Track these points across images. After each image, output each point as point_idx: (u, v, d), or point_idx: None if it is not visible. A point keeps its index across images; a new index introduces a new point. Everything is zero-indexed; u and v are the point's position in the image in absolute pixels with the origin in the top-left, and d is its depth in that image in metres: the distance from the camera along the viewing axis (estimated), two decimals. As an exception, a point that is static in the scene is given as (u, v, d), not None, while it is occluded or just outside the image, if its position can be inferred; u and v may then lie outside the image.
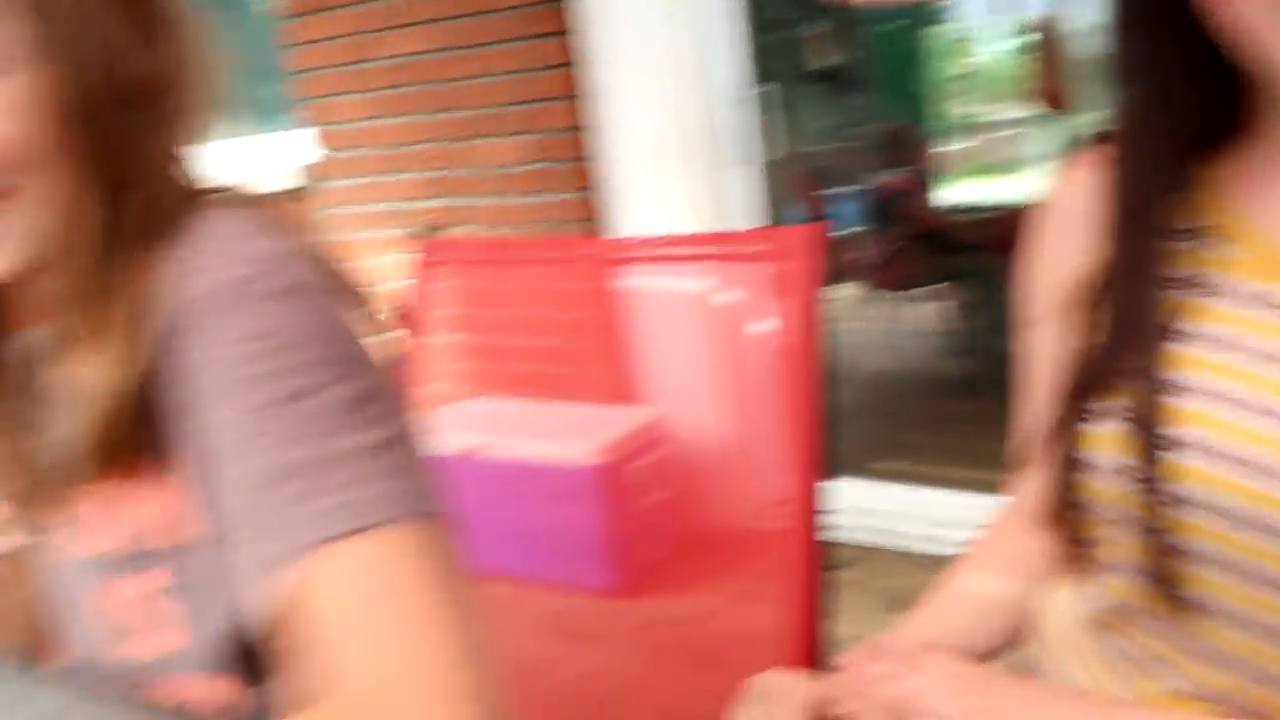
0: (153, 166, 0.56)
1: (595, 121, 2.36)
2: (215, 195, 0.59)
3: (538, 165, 2.43)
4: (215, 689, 0.59)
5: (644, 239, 1.44)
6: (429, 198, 2.60)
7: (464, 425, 2.26)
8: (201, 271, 0.52)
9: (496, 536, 2.13)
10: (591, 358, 1.92)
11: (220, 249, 0.54)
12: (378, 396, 0.51)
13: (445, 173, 2.57)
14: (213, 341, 0.51)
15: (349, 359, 0.52)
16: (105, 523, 0.59)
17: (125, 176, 0.54)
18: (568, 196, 2.41)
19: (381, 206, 2.69)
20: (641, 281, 1.84)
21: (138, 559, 0.59)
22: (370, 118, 2.65)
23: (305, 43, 2.69)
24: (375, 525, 0.46)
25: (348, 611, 0.46)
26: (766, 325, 1.69)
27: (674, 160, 2.34)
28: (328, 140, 2.77)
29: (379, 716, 0.43)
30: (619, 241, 1.92)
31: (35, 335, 0.62)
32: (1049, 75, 4.20)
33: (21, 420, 0.61)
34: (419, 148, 2.59)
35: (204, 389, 0.51)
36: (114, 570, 0.60)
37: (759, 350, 1.75)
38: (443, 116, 2.52)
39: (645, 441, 1.77)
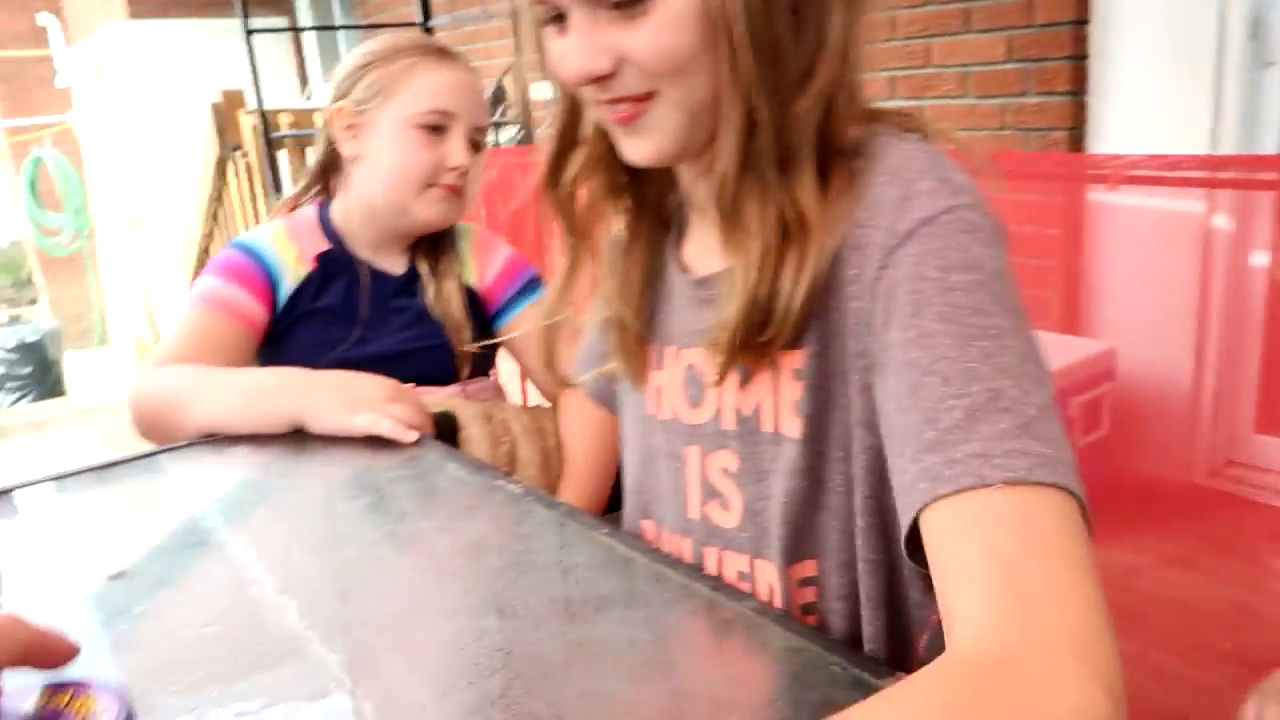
0: (812, 80, 0.56)
1: (1099, 14, 2.14)
2: (884, 116, 0.61)
3: (1023, 64, 2.26)
4: (757, 571, 0.66)
5: (1153, 157, 1.28)
6: (893, 98, 2.55)
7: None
8: (916, 196, 0.55)
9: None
10: (1049, 279, 1.80)
11: (925, 175, 0.56)
12: (1040, 356, 0.52)
13: (913, 72, 2.49)
14: (919, 262, 0.53)
15: (1021, 310, 0.53)
16: (710, 397, 0.67)
17: (780, 87, 0.56)
18: (1054, 99, 2.23)
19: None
20: (1126, 203, 1.67)
21: (721, 436, 0.66)
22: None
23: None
24: (1033, 483, 0.46)
25: (990, 555, 0.45)
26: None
27: (1187, 60, 2.05)
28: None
29: (1012, 683, 0.41)
30: (1114, 159, 1.73)
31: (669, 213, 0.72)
32: None
33: (638, 290, 0.71)
34: (889, 45, 2.53)
35: (897, 306, 0.53)
36: (698, 439, 0.68)
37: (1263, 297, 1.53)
38: (921, 10, 2.43)
39: (1092, 375, 1.66)
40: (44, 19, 7.50)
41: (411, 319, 1.16)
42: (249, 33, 2.35)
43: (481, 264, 1.23)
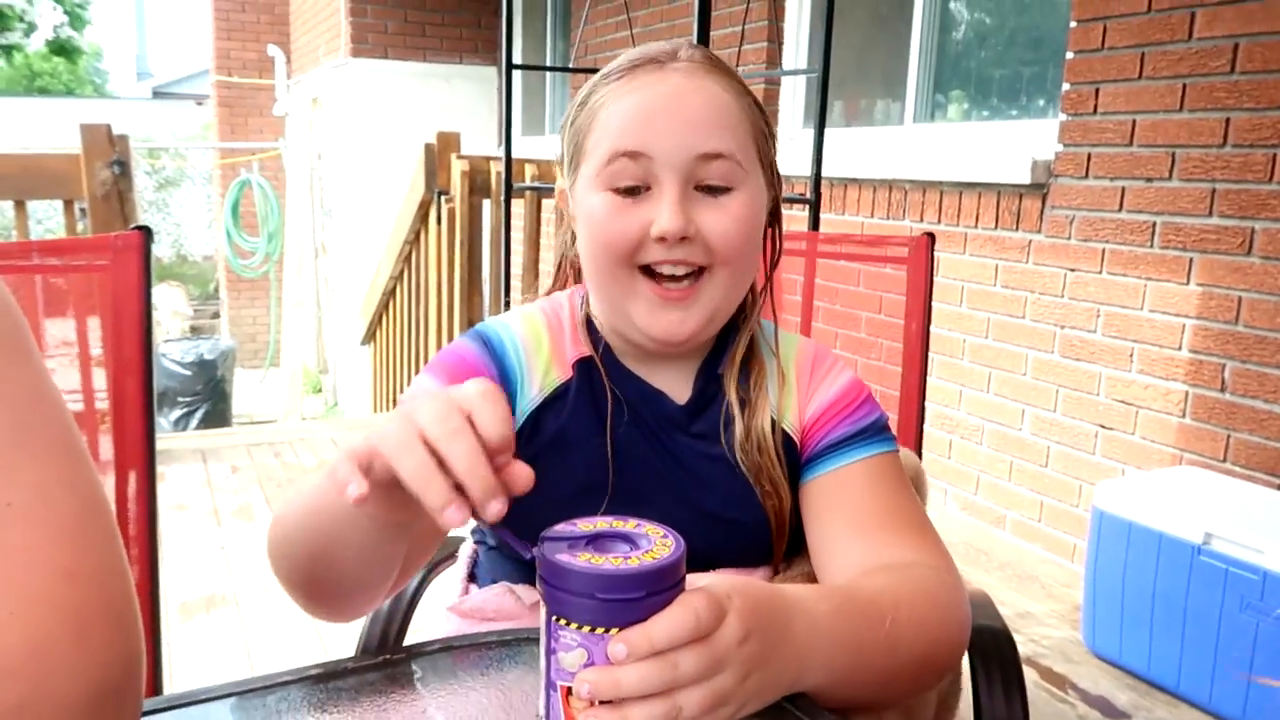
0: None
1: None
2: None
3: None
4: None
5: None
6: (1204, 215, 2.13)
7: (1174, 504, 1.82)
8: None
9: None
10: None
11: None
12: None
13: (1239, 186, 2.07)
14: None
15: None
16: None
17: None
18: None
19: (1134, 217, 2.28)
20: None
21: None
22: (1144, 111, 2.24)
23: (1095, 19, 2.35)
24: None
25: None
26: None
27: None
28: (1071, 134, 2.42)
29: None
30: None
31: None
32: None
33: None
34: (1203, 152, 2.12)
35: None
36: None
37: None
38: (1262, 115, 2.02)
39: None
40: (273, 50, 7.87)
41: (700, 468, 0.79)
42: (509, 69, 2.12)
43: (804, 395, 0.82)
